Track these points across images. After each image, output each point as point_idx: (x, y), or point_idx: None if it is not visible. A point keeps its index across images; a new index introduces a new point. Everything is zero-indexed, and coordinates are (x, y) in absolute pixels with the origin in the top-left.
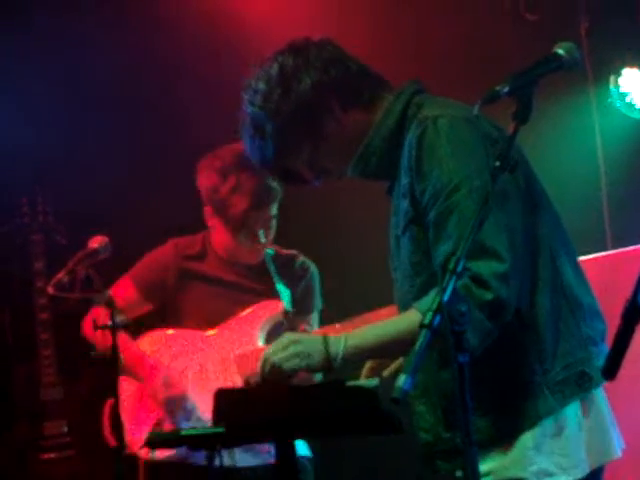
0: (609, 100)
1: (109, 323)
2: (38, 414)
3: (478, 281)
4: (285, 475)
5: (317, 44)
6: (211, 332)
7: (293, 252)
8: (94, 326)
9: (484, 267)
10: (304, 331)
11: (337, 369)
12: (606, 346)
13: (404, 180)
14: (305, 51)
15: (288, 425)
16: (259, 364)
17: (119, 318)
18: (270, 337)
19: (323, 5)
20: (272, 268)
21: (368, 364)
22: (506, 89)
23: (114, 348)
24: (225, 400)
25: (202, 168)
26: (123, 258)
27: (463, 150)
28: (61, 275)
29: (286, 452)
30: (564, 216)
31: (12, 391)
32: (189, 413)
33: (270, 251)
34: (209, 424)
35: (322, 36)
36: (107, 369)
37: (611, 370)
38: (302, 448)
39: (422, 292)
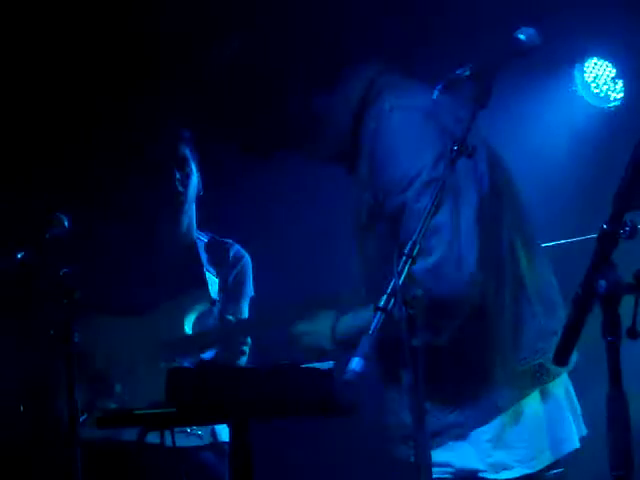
0: (573, 89)
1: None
2: None
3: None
4: (239, 457)
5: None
6: (141, 319)
7: (228, 240)
8: None
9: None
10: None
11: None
12: None
13: (363, 169)
14: (282, 26)
15: (242, 406)
16: None
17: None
18: (197, 325)
19: None
20: (204, 255)
21: None
22: (467, 72)
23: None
24: (178, 380)
25: None
26: None
27: (416, 144)
28: None
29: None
30: (528, 205)
31: None
32: (116, 395)
33: (204, 238)
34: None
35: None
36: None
37: (562, 358)
38: (226, 434)
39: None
